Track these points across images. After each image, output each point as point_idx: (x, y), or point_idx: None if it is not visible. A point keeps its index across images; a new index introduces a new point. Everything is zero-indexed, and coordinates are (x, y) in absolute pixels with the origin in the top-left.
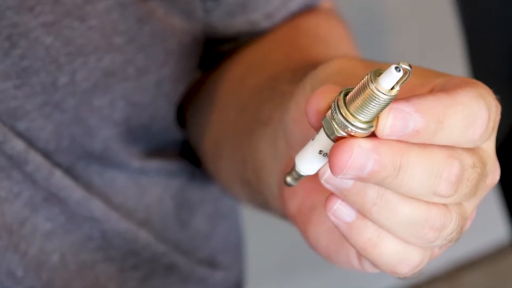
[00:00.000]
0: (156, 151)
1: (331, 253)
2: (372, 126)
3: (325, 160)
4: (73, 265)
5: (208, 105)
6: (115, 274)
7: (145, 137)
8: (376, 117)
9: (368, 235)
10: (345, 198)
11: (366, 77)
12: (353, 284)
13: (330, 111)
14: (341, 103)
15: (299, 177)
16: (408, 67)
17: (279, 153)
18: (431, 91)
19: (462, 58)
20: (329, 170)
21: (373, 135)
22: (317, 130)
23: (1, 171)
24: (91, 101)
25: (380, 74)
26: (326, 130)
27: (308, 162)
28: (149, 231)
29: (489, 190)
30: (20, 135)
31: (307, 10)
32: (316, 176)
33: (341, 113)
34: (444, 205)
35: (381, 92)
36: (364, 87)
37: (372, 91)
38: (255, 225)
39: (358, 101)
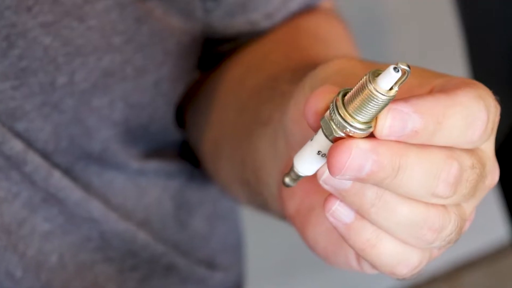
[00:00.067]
0: (155, 151)
1: (330, 254)
2: (370, 127)
3: (323, 160)
4: (72, 266)
5: (207, 105)
6: (114, 275)
7: (144, 137)
8: (375, 117)
9: (366, 236)
10: (343, 199)
11: (365, 77)
12: (352, 285)
13: (328, 111)
14: (339, 103)
15: (298, 177)
16: (406, 68)
17: (279, 154)
18: (430, 92)
19: (462, 58)
20: (327, 171)
21: (371, 135)
22: (315, 131)
23: None
24: (90, 102)
25: (378, 74)
26: (324, 130)
27: (307, 163)
28: (148, 231)
29: (488, 191)
30: (18, 135)
31: (307, 10)
32: (314, 177)
33: (339, 114)
34: (443, 206)
35: (379, 93)
36: (363, 87)
37: (371, 91)
38: (255, 226)
39: (357, 102)
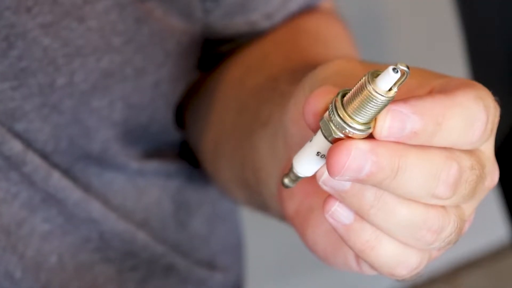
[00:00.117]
0: (154, 152)
1: (329, 255)
2: (369, 128)
3: (322, 161)
4: (71, 266)
5: (207, 105)
6: (113, 275)
7: (144, 138)
8: (374, 118)
9: (366, 237)
10: (343, 200)
11: (364, 78)
12: (352, 285)
13: (327, 112)
14: (338, 104)
15: (297, 178)
16: (405, 68)
17: (279, 154)
18: (430, 93)
19: (462, 58)
20: (326, 172)
21: (371, 136)
22: (314, 132)
23: None
24: (90, 102)
25: (377, 75)
26: (323, 131)
27: (306, 164)
28: (147, 232)
29: (487, 192)
30: (18, 136)
31: (307, 10)
32: (314, 178)
33: (338, 115)
34: (443, 207)
35: (378, 94)
36: (362, 88)
37: (370, 92)
38: (255, 226)
39: (356, 103)
